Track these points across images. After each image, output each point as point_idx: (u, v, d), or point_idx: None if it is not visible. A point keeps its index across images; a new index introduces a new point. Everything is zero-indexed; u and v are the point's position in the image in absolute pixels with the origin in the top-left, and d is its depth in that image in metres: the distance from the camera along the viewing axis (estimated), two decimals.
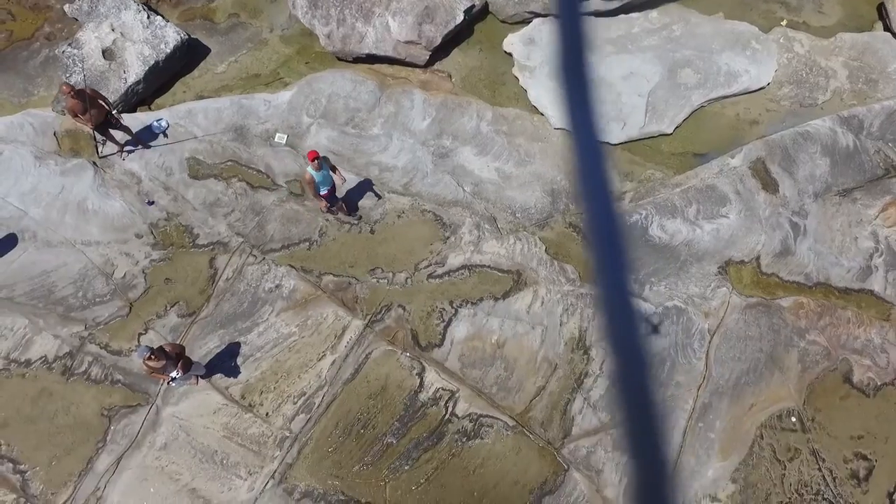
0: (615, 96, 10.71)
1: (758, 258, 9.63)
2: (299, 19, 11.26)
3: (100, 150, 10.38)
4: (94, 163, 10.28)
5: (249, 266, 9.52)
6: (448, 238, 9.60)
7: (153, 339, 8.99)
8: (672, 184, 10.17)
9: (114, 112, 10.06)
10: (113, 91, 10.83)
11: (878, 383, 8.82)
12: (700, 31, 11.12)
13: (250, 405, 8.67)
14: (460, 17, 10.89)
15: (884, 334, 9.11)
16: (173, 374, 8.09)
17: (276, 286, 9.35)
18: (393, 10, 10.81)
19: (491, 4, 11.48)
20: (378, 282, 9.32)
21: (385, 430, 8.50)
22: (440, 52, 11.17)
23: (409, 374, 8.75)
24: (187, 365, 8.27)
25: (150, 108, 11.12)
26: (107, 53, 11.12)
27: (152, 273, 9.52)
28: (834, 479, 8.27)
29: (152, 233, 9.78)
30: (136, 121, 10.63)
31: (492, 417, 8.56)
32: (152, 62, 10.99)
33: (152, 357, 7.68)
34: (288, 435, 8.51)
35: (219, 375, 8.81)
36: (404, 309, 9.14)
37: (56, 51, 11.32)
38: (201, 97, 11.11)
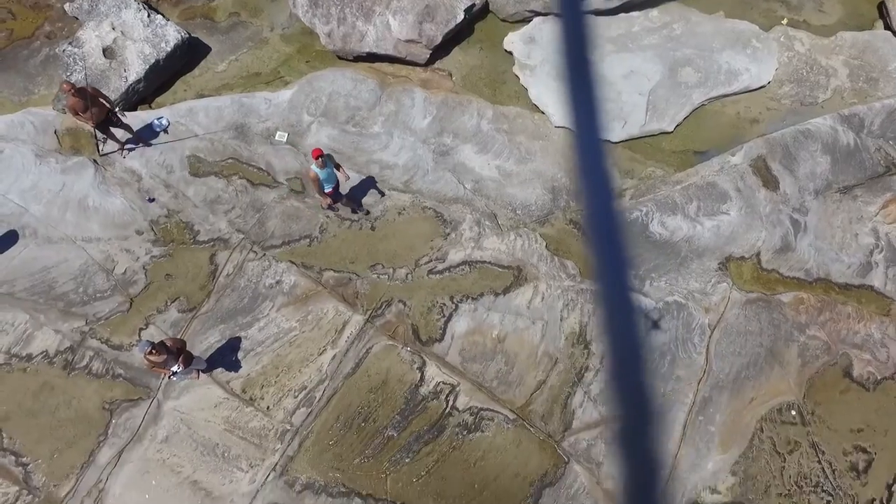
0: (616, 95, 11.33)
1: (758, 254, 10.16)
2: (300, 18, 11.91)
3: (100, 148, 10.93)
4: (95, 161, 10.84)
5: (250, 262, 10.07)
6: (448, 234, 10.16)
7: (154, 334, 9.48)
8: (673, 181, 10.73)
9: (116, 110, 10.64)
10: (114, 90, 11.41)
11: (878, 377, 9.32)
12: (700, 30, 11.77)
13: (251, 399, 9.18)
14: (461, 16, 11.55)
15: (884, 329, 9.62)
16: (174, 368, 8.55)
17: (277, 282, 9.89)
18: (393, 8, 11.47)
19: (491, 3, 12.14)
20: (378, 277, 9.86)
21: (386, 423, 8.99)
22: (441, 50, 11.80)
23: (410, 369, 9.26)
24: (188, 359, 8.75)
25: (150, 107, 11.72)
26: (107, 52, 11.73)
27: (153, 269, 10.05)
28: (833, 471, 8.76)
29: (153, 229, 10.33)
30: (136, 119, 11.19)
31: (492, 411, 9.05)
32: (153, 61, 11.60)
33: (153, 352, 8.11)
34: (289, 428, 9.01)
35: (220, 370, 9.32)
36: (405, 304, 9.67)
37: (56, 49, 11.94)
38: (202, 96, 11.70)
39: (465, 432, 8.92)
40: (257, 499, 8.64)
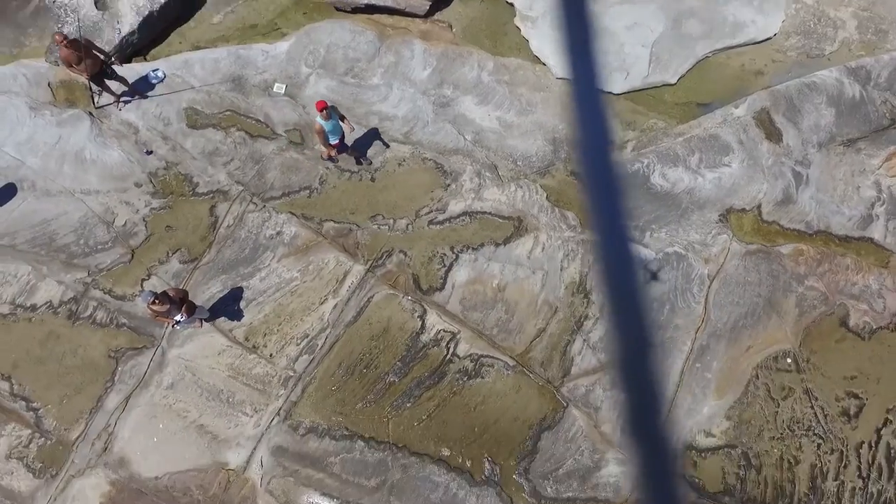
0: (618, 46, 11.94)
1: (759, 206, 10.82)
2: None
3: (96, 100, 11.52)
4: (91, 113, 11.43)
5: (250, 213, 10.74)
6: (449, 185, 10.83)
7: (156, 284, 10.19)
8: (675, 133, 11.36)
9: (112, 59, 11.23)
10: (107, 42, 11.95)
11: (874, 327, 10.05)
12: None
13: (254, 347, 9.93)
14: None
15: (882, 280, 10.33)
16: (177, 317, 9.26)
17: (277, 233, 10.58)
18: None
19: None
20: (379, 228, 10.55)
21: (387, 369, 9.75)
22: (441, 1, 12.36)
23: (411, 317, 10.00)
24: (191, 309, 9.45)
25: (145, 59, 12.30)
26: (99, 3, 12.25)
27: (153, 221, 10.73)
28: (825, 416, 9.55)
29: (151, 182, 10.98)
30: (132, 71, 11.76)
31: (492, 358, 9.81)
32: (146, 12, 12.14)
33: (156, 301, 8.77)
34: (292, 374, 9.78)
35: (222, 319, 10.05)
36: (405, 254, 10.38)
37: (47, 0, 12.47)
38: (198, 48, 12.28)
39: (465, 378, 9.67)
40: (262, 442, 9.41)
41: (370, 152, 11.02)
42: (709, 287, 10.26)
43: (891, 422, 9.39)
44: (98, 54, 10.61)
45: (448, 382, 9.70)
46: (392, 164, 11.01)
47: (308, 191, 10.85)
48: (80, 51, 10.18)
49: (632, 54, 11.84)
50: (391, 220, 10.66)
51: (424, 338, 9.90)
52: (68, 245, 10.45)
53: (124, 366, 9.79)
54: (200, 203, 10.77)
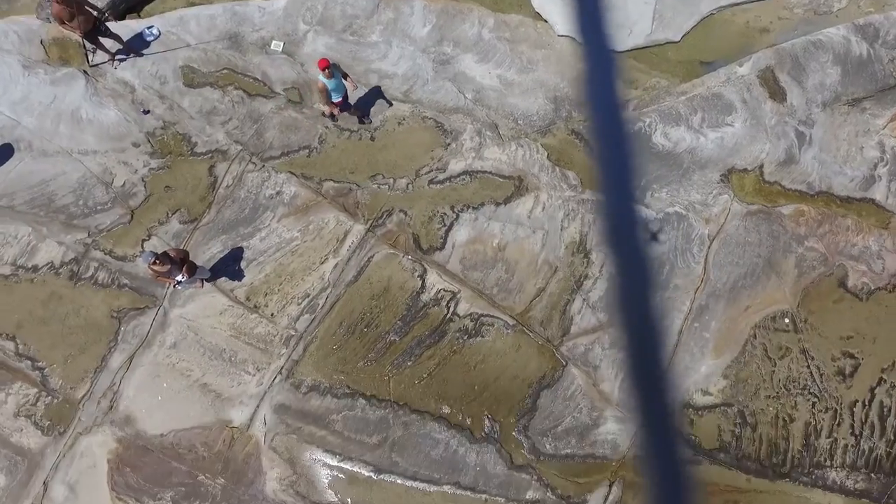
0: (621, 3, 12.09)
1: (761, 166, 11.11)
2: None
3: (90, 58, 11.73)
4: (85, 72, 11.65)
5: (249, 173, 11.04)
6: (449, 144, 11.11)
7: (156, 244, 10.54)
8: (678, 92, 11.59)
9: (105, 15, 11.39)
10: None
11: (872, 288, 10.42)
12: None
13: (255, 306, 10.32)
14: None
15: (882, 242, 10.66)
16: (178, 277, 9.64)
17: (277, 192, 10.89)
18: None
19: None
20: (379, 187, 10.87)
21: (388, 328, 10.15)
22: None
23: (411, 276, 10.37)
24: (192, 269, 9.81)
25: (139, 16, 12.47)
26: None
27: (152, 181, 11.03)
28: (821, 375, 9.98)
29: (149, 141, 11.25)
30: (126, 29, 11.94)
31: (492, 317, 10.21)
32: None
33: (157, 262, 9.13)
34: (293, 334, 10.18)
35: (223, 279, 10.42)
36: (405, 214, 10.71)
37: None
38: (192, 4, 12.45)
39: (465, 337, 10.08)
40: (265, 400, 9.86)
41: (372, 111, 11.23)
42: (709, 247, 10.60)
43: (885, 381, 9.81)
44: (91, 10, 10.81)
45: (448, 341, 10.10)
46: (392, 122, 11.27)
47: (307, 150, 11.13)
48: (73, 6, 10.36)
49: (635, 11, 12.01)
50: (391, 180, 10.96)
51: (425, 297, 10.28)
52: (67, 206, 10.76)
53: (127, 326, 10.18)
54: (199, 163, 11.05)
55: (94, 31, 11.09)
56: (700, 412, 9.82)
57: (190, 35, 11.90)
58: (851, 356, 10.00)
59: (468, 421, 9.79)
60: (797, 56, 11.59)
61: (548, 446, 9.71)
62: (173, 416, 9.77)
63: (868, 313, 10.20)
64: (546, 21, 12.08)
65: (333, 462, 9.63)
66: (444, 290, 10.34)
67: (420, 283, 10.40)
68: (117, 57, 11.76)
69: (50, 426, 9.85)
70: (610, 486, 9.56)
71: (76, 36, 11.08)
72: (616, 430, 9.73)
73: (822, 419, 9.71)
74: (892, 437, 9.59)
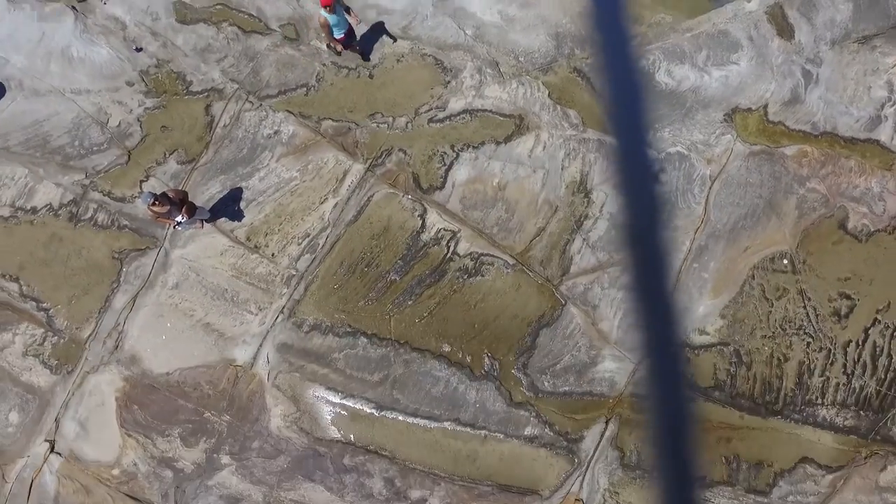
0: None
1: (765, 106, 11.30)
2: None
3: None
4: (74, 7, 11.72)
5: (246, 112, 11.27)
6: (449, 82, 11.30)
7: (155, 185, 10.85)
8: (683, 28, 11.70)
9: None
10: None
11: (872, 230, 10.76)
12: None
13: (256, 246, 10.71)
14: None
15: (884, 183, 10.95)
16: (178, 218, 9.97)
17: (275, 132, 11.14)
18: None
19: None
20: (378, 126, 11.11)
21: (388, 268, 10.57)
22: None
23: (411, 216, 10.73)
24: (191, 209, 10.15)
25: None
26: None
27: (147, 121, 11.26)
28: (817, 315, 10.44)
29: (143, 80, 11.43)
30: None
31: (492, 256, 10.61)
32: None
33: (156, 203, 9.42)
34: (294, 273, 10.60)
35: (223, 219, 10.78)
36: (405, 153, 10.99)
37: None
38: None
39: (465, 276, 10.50)
40: (268, 339, 10.35)
41: (373, 48, 11.37)
42: (710, 188, 10.92)
43: (879, 322, 10.26)
44: None
45: (448, 280, 10.51)
46: (390, 60, 11.44)
47: (305, 88, 11.32)
48: None
49: None
50: (390, 119, 11.20)
51: (425, 237, 10.65)
52: (63, 147, 11.03)
53: (129, 267, 10.58)
54: (195, 102, 11.27)
55: None
56: (696, 351, 10.32)
57: None
58: (848, 297, 10.43)
59: (468, 359, 10.30)
60: None
61: (546, 384, 10.24)
62: (178, 356, 10.28)
63: (866, 255, 10.59)
64: None
65: (336, 399, 10.17)
66: (445, 230, 10.71)
67: (420, 222, 10.76)
68: None
69: (58, 365, 10.36)
70: (606, 422, 10.13)
71: None
72: (613, 369, 10.24)
73: (816, 359, 10.22)
74: (883, 376, 10.11)
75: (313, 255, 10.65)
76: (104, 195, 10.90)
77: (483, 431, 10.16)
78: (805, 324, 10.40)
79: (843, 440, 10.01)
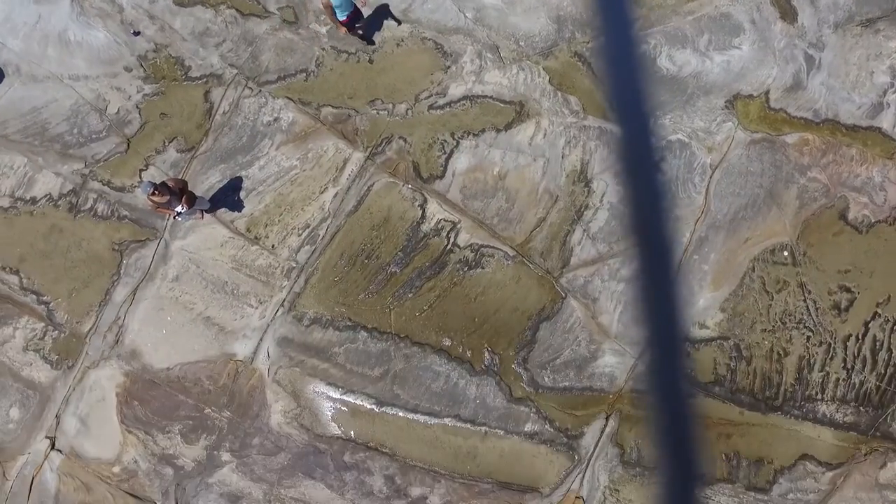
0: None
1: (767, 92, 9.06)
2: None
3: None
4: None
5: (246, 99, 8.93)
6: (449, 67, 8.99)
7: (154, 174, 9.04)
8: (684, 11, 9.22)
9: None
10: None
11: (872, 220, 8.80)
12: None
13: (256, 238, 8.47)
14: None
15: (885, 173, 8.85)
16: (178, 208, 8.17)
17: (275, 119, 8.77)
18: None
19: None
20: (378, 113, 8.82)
21: (388, 259, 8.60)
22: None
23: (412, 206, 8.63)
24: (191, 199, 8.34)
25: None
26: None
27: (146, 108, 9.04)
28: (817, 309, 8.38)
29: (142, 65, 9.07)
30: None
31: (493, 248, 8.64)
32: None
33: (156, 192, 7.66)
34: (294, 265, 8.35)
35: (223, 210, 8.72)
36: (405, 141, 8.78)
37: None
38: None
39: (465, 268, 8.41)
40: (268, 333, 8.44)
41: (374, 31, 8.75)
42: (710, 177, 8.61)
43: (879, 315, 8.44)
44: None
45: (449, 273, 8.37)
46: (390, 44, 8.89)
47: (304, 74, 8.89)
48: None
49: None
50: (390, 105, 8.86)
51: (425, 227, 8.43)
52: (62, 135, 8.72)
53: (129, 259, 8.43)
54: (194, 88, 8.80)
55: None
56: (696, 345, 8.36)
57: None
58: (848, 290, 8.29)
59: (468, 353, 8.22)
60: None
61: (546, 379, 8.13)
62: (178, 350, 8.24)
63: (867, 246, 8.41)
64: None
65: (336, 395, 8.17)
66: (445, 220, 8.43)
67: (420, 212, 8.55)
68: None
69: (58, 360, 8.37)
70: (606, 418, 8.17)
71: None
72: (614, 364, 8.09)
73: (816, 353, 8.15)
74: (883, 371, 8.14)
75: (313, 247, 8.39)
76: (104, 185, 8.67)
77: (483, 428, 8.18)
78: (805, 317, 8.24)
79: (843, 437, 8.11)
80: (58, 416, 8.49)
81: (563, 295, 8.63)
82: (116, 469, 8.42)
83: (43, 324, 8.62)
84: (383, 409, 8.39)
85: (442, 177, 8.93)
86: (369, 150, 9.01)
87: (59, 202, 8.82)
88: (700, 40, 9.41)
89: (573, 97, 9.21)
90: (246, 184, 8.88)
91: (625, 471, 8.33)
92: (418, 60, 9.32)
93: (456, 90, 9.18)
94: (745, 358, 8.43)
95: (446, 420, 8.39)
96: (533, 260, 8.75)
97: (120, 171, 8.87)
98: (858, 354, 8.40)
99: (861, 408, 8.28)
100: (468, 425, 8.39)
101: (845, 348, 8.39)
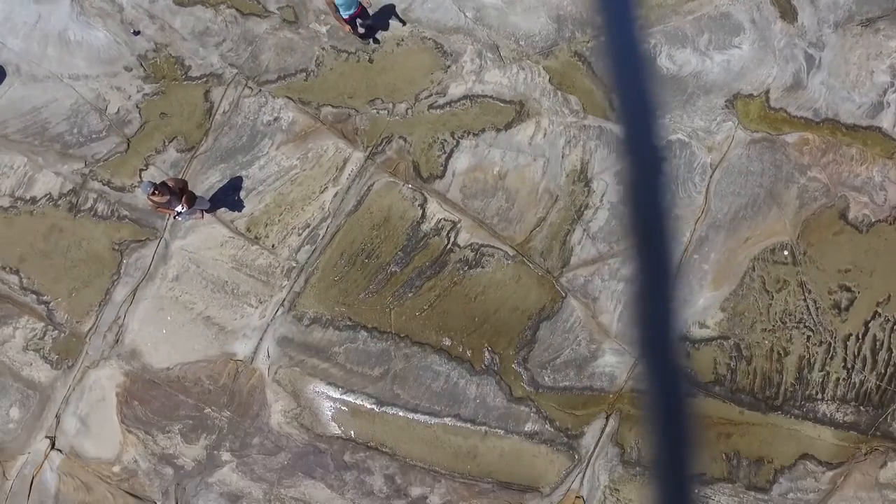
0: None
1: (767, 92, 9.04)
2: None
3: None
4: None
5: (246, 98, 8.85)
6: (449, 67, 8.88)
7: (154, 174, 8.99)
8: (684, 11, 9.19)
9: None
10: None
11: (872, 220, 8.77)
12: None
13: (256, 237, 8.38)
14: None
15: (885, 172, 8.85)
16: (178, 208, 8.11)
17: (275, 119, 8.67)
18: None
19: None
20: (378, 113, 8.69)
21: (388, 259, 8.51)
22: None
23: (412, 205, 8.52)
24: (191, 199, 8.29)
25: None
26: None
27: (146, 107, 8.98)
28: (817, 308, 8.31)
29: (142, 65, 9.00)
30: None
31: (493, 247, 8.54)
32: None
33: (156, 192, 7.61)
34: (294, 265, 8.26)
35: (223, 209, 8.66)
36: (405, 140, 8.67)
37: None
38: None
39: (465, 268, 8.30)
40: (268, 332, 8.36)
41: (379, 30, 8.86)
42: (710, 176, 8.58)
43: (879, 315, 8.40)
44: None
45: (449, 272, 8.30)
46: (390, 43, 8.83)
47: (304, 73, 8.78)
48: None
49: None
50: (390, 105, 8.76)
51: (425, 227, 8.35)
52: (62, 134, 8.63)
53: (129, 258, 8.33)
54: (194, 88, 8.72)
55: None
56: (696, 345, 8.27)
57: None
58: (848, 289, 8.23)
59: (468, 353, 8.13)
60: None
61: (546, 378, 8.03)
62: (178, 350, 8.14)
63: (867, 246, 8.36)
64: None
65: (336, 395, 8.08)
66: (445, 220, 8.33)
67: (420, 212, 8.46)
68: None
69: (58, 360, 8.27)
70: (607, 418, 8.08)
71: None
72: (614, 363, 8.00)
73: (816, 353, 8.07)
74: (883, 371, 8.09)
75: (314, 246, 8.28)
76: (104, 184, 8.57)
77: (483, 427, 8.09)
78: (805, 317, 8.15)
79: (843, 436, 8.05)
80: (58, 416, 8.42)
81: (564, 294, 8.55)
82: (116, 469, 8.34)
83: (43, 323, 8.54)
84: (383, 408, 8.33)
85: (442, 176, 8.86)
86: (369, 149, 8.93)
87: (59, 202, 8.74)
88: (700, 40, 9.33)
89: (573, 97, 9.05)
90: (246, 183, 8.79)
91: (625, 470, 8.23)
92: (418, 60, 9.23)
93: (456, 90, 9.09)
94: (745, 357, 8.34)
95: (446, 420, 8.32)
96: (533, 259, 8.67)
97: (120, 171, 8.79)
98: (859, 354, 8.31)
99: (861, 407, 8.21)
100: (468, 425, 8.32)
101: (845, 348, 8.32)
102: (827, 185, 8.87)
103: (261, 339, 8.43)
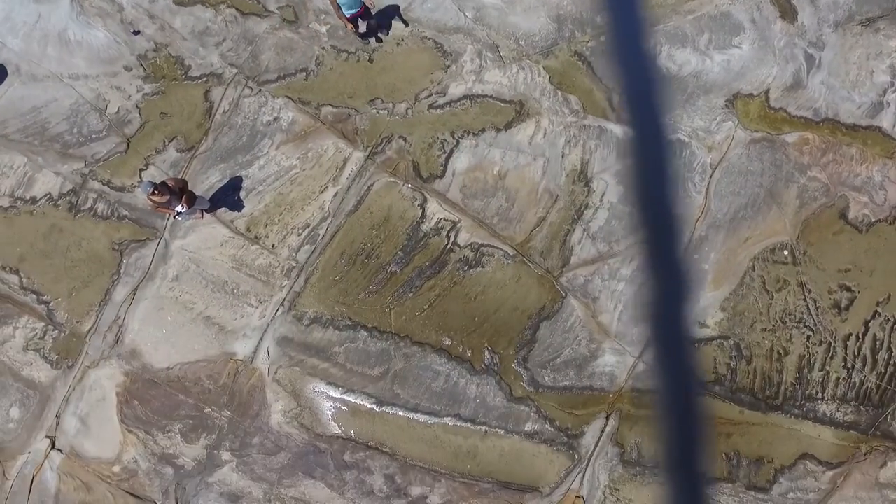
0: None
1: (767, 91, 8.95)
2: None
3: None
4: None
5: (245, 98, 8.81)
6: (449, 67, 8.85)
7: (154, 174, 8.93)
8: (685, 10, 9.11)
9: None
10: None
11: (872, 219, 8.68)
12: None
13: (256, 237, 8.36)
14: None
15: (885, 172, 8.75)
16: (178, 208, 8.05)
17: (275, 118, 8.64)
18: None
19: None
20: (378, 112, 8.66)
21: (388, 259, 8.48)
22: None
23: (412, 205, 8.51)
24: (191, 199, 8.22)
25: None
26: None
27: (146, 107, 8.93)
28: (817, 308, 8.26)
29: (142, 65, 8.96)
30: None
31: (493, 247, 8.52)
32: None
33: (156, 192, 7.55)
34: (294, 265, 8.24)
35: (223, 209, 8.62)
36: (405, 140, 8.66)
37: None
38: None
39: (465, 268, 8.27)
40: (268, 332, 8.33)
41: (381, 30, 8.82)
42: (710, 176, 8.51)
43: (879, 314, 8.34)
44: None
45: (449, 272, 8.28)
46: (390, 43, 8.83)
47: (304, 73, 8.75)
48: None
49: None
50: (390, 104, 8.73)
51: (425, 227, 8.33)
52: (62, 134, 8.61)
53: (129, 258, 8.30)
54: (194, 87, 8.69)
55: None
56: (696, 345, 7.91)
57: None
58: (848, 289, 8.19)
59: (468, 353, 8.11)
60: None
61: (546, 378, 8.01)
62: (178, 350, 8.12)
63: (867, 245, 8.31)
64: None
65: (336, 394, 8.06)
66: (445, 220, 8.32)
67: (420, 212, 8.44)
68: None
69: (58, 360, 8.24)
70: (607, 417, 8.04)
71: None
72: (614, 363, 7.98)
73: (816, 352, 8.04)
74: (883, 370, 8.04)
75: (313, 246, 8.25)
76: (104, 184, 8.54)
77: (483, 427, 8.06)
78: (805, 316, 8.12)
79: (843, 436, 8.00)
80: (58, 416, 8.37)
81: (564, 294, 8.51)
82: (116, 468, 8.31)
83: (43, 323, 8.50)
84: (383, 408, 8.28)
85: (442, 176, 8.80)
86: (369, 149, 8.87)
87: (59, 202, 8.69)
88: (700, 39, 9.28)
89: (573, 96, 9.03)
90: (246, 183, 8.73)
91: (625, 470, 8.23)
92: (418, 60, 9.18)
93: (456, 89, 9.04)
94: (745, 357, 8.32)
95: (446, 419, 8.28)
96: (533, 259, 8.62)
97: (120, 171, 8.73)
98: (859, 353, 8.27)
99: (861, 407, 8.19)
100: (468, 424, 8.28)
101: (845, 347, 8.29)
102: (827, 184, 8.82)
103: (261, 339, 8.38)
